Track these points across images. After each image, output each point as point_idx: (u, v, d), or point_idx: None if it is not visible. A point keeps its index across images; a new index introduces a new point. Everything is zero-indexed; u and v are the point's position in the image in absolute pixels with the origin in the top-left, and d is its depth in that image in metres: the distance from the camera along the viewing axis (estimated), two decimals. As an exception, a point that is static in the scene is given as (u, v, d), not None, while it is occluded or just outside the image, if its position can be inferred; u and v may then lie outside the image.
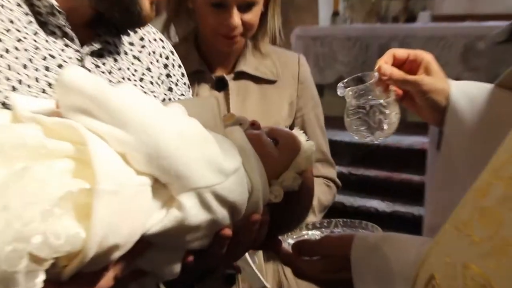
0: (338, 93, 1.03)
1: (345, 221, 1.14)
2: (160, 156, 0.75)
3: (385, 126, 1.04)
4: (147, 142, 0.74)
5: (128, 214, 0.72)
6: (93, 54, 1.03)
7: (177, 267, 0.81)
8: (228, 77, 1.67)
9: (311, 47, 3.47)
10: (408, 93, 1.08)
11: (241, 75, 1.68)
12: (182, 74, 1.19)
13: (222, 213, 0.80)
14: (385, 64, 1.06)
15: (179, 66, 1.19)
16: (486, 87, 1.04)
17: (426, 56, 1.09)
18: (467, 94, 1.04)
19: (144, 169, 0.75)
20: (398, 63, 1.08)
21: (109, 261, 0.73)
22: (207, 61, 1.68)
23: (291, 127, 1.70)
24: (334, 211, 1.75)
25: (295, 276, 0.98)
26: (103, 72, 1.02)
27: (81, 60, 0.99)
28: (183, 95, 1.18)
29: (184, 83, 1.20)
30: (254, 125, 0.93)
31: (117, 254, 0.73)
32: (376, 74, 1.03)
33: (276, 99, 1.70)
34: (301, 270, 0.95)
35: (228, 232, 0.83)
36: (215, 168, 0.78)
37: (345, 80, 1.04)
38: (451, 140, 1.03)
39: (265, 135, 0.91)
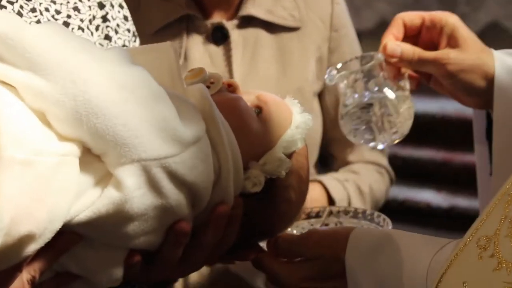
0: (327, 81, 0.95)
1: (345, 209, 1.04)
2: (91, 112, 0.70)
3: (394, 129, 0.93)
4: (73, 92, 0.70)
5: (46, 193, 0.69)
6: None
7: (118, 272, 0.77)
8: (230, 24, 1.51)
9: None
10: (432, 75, 0.97)
11: (249, 21, 1.52)
12: (125, 17, 1.11)
13: (177, 197, 0.75)
14: (391, 41, 0.94)
15: (121, 6, 1.11)
16: None
17: (450, 19, 0.95)
18: None
19: (70, 132, 0.71)
20: (412, 33, 0.96)
21: (22, 256, 0.70)
22: (199, 1, 1.52)
23: (321, 94, 1.58)
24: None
25: (270, 283, 0.91)
26: None
27: None
28: (125, 46, 1.09)
29: (128, 30, 1.11)
30: (230, 86, 0.86)
31: (32, 247, 0.70)
32: (379, 55, 0.93)
33: (298, 54, 1.53)
34: (277, 275, 0.88)
35: (185, 226, 0.77)
36: (168, 135, 0.73)
37: (339, 65, 0.95)
38: (503, 135, 0.93)
39: (243, 101, 0.85)
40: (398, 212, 2.78)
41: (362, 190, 1.49)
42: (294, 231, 0.98)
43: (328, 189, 1.42)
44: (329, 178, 1.47)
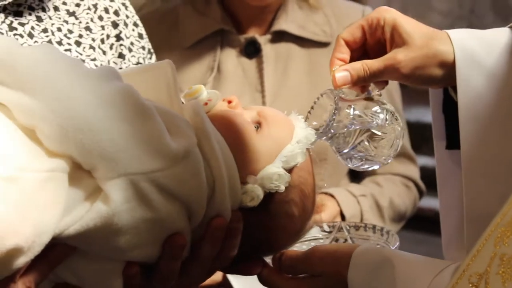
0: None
1: (355, 224, 1.03)
2: (76, 128, 0.71)
3: (387, 148, 0.91)
4: (57, 109, 0.71)
5: (31, 208, 0.70)
6: (6, 11, 0.98)
7: (116, 283, 0.77)
8: (263, 39, 1.53)
9: (395, -10, 3.16)
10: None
11: (281, 36, 1.54)
12: (140, 35, 1.12)
13: (167, 210, 0.75)
14: (337, 69, 0.91)
15: (135, 25, 1.12)
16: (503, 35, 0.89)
17: (387, 15, 0.91)
18: (478, 57, 0.88)
19: (58, 148, 0.72)
20: (358, 46, 0.93)
21: (12, 269, 0.71)
22: (234, 17, 1.55)
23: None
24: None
25: None
26: (20, 36, 0.97)
27: None
28: (139, 63, 1.10)
29: (143, 47, 1.12)
30: (230, 103, 0.86)
31: (21, 260, 0.71)
32: (334, 92, 0.91)
33: (329, 68, 1.40)
34: None
35: (180, 239, 0.77)
36: (154, 149, 0.74)
37: (305, 123, 0.91)
38: (469, 129, 0.89)
39: (240, 116, 0.84)
40: (421, 221, 2.76)
41: (380, 205, 1.47)
42: (304, 246, 0.98)
43: (340, 204, 1.42)
44: (343, 193, 1.46)
